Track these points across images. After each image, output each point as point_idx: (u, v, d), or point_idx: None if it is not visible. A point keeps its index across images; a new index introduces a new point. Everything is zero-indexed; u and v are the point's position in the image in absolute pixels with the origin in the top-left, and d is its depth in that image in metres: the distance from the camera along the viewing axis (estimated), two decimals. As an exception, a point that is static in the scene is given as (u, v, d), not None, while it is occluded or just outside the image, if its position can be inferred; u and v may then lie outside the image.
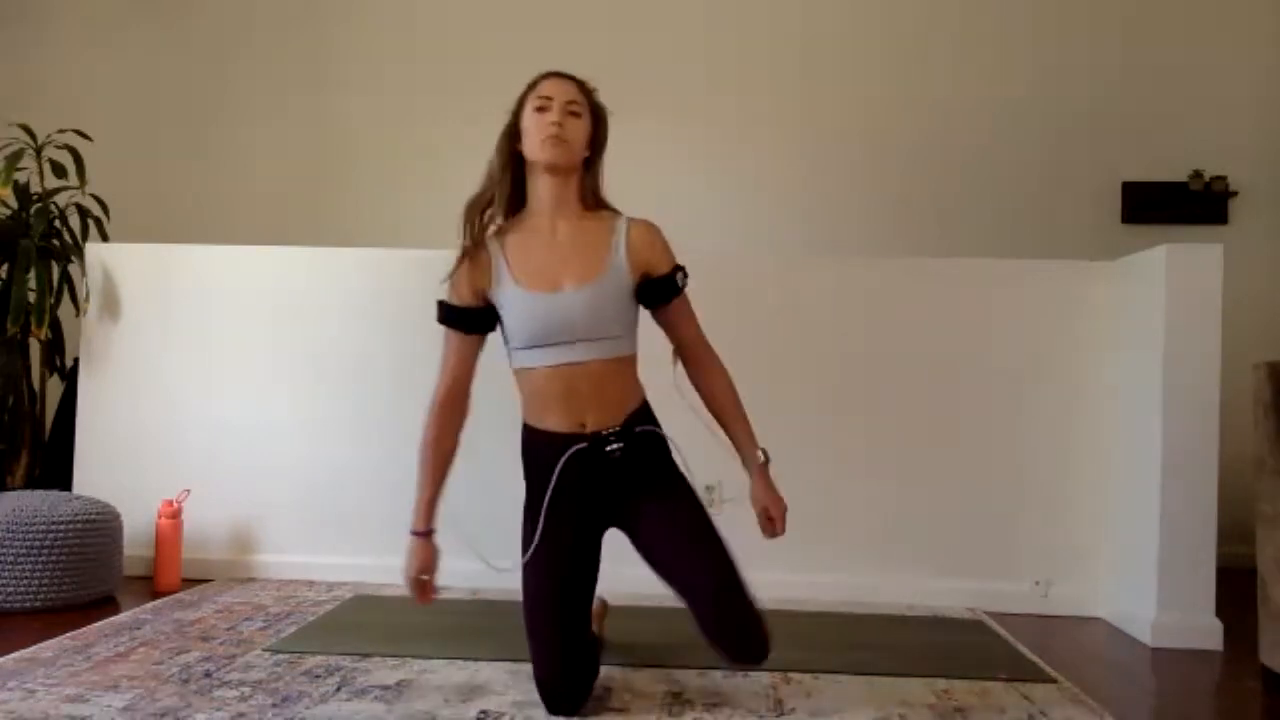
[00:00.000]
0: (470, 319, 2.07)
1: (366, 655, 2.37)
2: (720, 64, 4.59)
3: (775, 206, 4.54)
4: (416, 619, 2.75)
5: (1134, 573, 2.92)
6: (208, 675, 2.18)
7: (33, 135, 3.67)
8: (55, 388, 3.71)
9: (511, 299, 2.03)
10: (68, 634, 2.50)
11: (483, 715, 1.98)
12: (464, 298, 2.06)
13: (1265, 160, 4.37)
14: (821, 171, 4.52)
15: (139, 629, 2.57)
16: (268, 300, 3.37)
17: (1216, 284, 2.81)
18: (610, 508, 2.07)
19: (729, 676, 2.26)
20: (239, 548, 3.32)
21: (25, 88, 4.67)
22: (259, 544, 3.32)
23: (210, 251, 3.44)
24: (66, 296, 3.60)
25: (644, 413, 2.12)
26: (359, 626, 2.66)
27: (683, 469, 2.12)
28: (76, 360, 3.48)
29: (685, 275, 2.13)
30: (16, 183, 3.53)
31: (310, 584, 3.20)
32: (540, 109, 2.04)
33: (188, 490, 3.21)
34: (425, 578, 2.05)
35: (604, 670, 2.21)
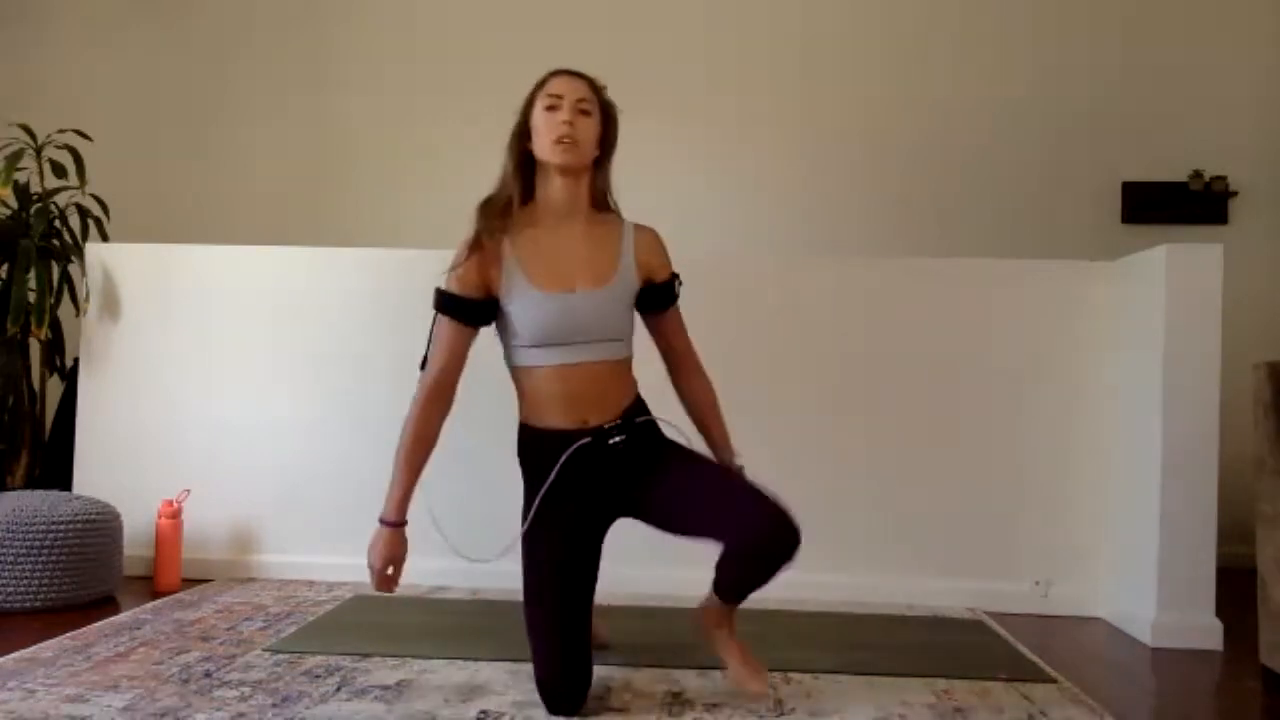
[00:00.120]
0: (470, 310, 2.06)
1: (366, 655, 2.37)
2: (720, 64, 4.59)
3: (775, 206, 4.54)
4: (416, 619, 2.75)
5: (1134, 573, 2.92)
6: (208, 675, 2.18)
7: (33, 135, 3.67)
8: (55, 388, 3.71)
9: (524, 297, 2.02)
10: (68, 634, 2.50)
11: (483, 715, 1.98)
12: (469, 289, 2.04)
13: (1265, 160, 4.37)
14: (821, 171, 4.52)
15: (139, 629, 2.57)
16: (268, 300, 3.37)
17: (1216, 284, 2.81)
18: (615, 498, 2.08)
19: (730, 676, 2.26)
20: (239, 548, 3.32)
21: (25, 88, 4.67)
22: (259, 544, 3.32)
23: (210, 251, 3.44)
24: (66, 296, 3.60)
25: (640, 406, 2.14)
26: (359, 626, 2.66)
27: (686, 445, 2.15)
28: (76, 360, 3.48)
29: (681, 283, 2.18)
30: (16, 183, 3.53)
31: (310, 584, 3.20)
32: (550, 107, 2.04)
33: (188, 490, 3.21)
34: (391, 571, 2.01)
35: (604, 670, 2.22)
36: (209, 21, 4.76)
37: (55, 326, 3.54)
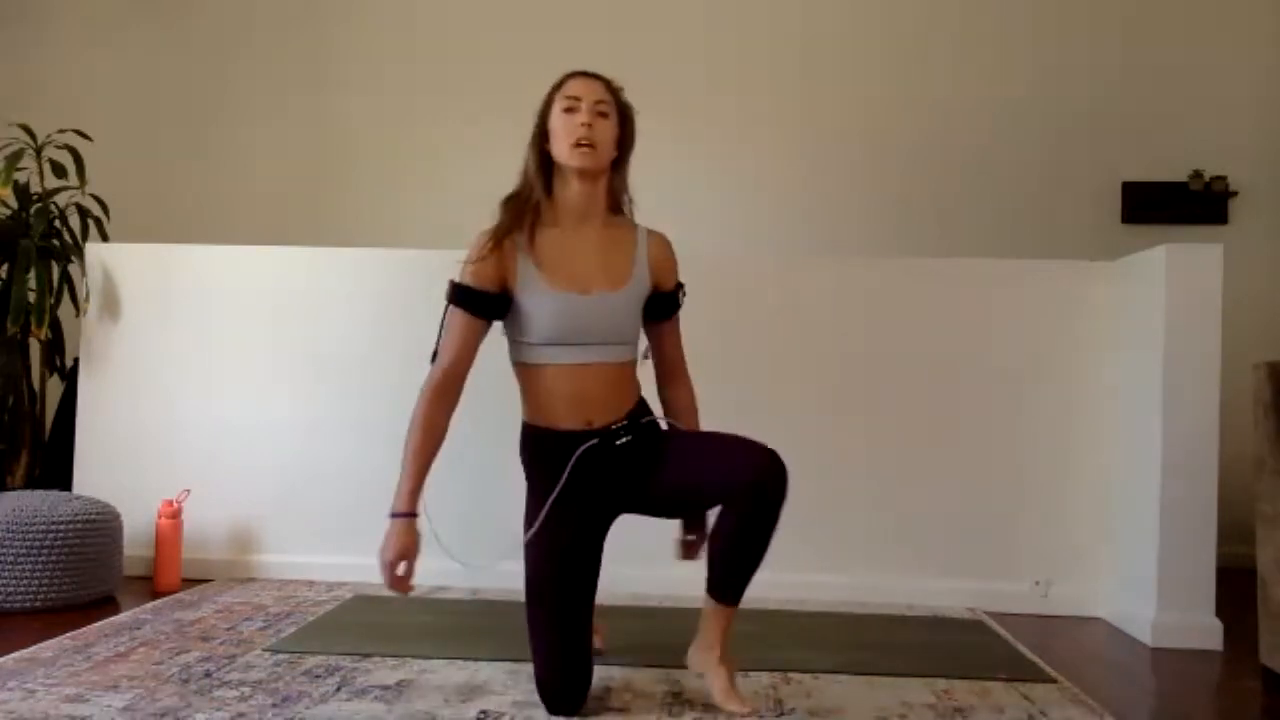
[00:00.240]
0: (484, 303, 2.04)
1: (366, 655, 2.37)
2: (720, 64, 4.59)
3: (775, 206, 4.54)
4: (416, 619, 2.75)
5: (1134, 573, 2.92)
6: (208, 675, 2.18)
7: (33, 135, 3.67)
8: (55, 388, 3.71)
9: (539, 295, 2.02)
10: (68, 634, 2.50)
11: (483, 715, 1.98)
12: (484, 282, 2.03)
13: (1265, 160, 4.37)
14: (821, 171, 4.52)
15: (139, 629, 2.57)
16: (268, 300, 3.37)
17: (1216, 284, 2.81)
18: (618, 496, 2.09)
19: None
20: (239, 548, 3.32)
21: (25, 88, 4.67)
22: (259, 544, 3.32)
23: (210, 251, 3.44)
24: (66, 296, 3.60)
25: (644, 407, 2.15)
26: (359, 626, 2.66)
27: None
28: (76, 360, 3.48)
29: (685, 293, 2.21)
30: (16, 183, 3.53)
31: (310, 584, 3.20)
32: (569, 109, 2.04)
33: (188, 490, 3.21)
34: (404, 565, 1.96)
35: (604, 670, 2.22)
36: (209, 21, 4.76)
37: (55, 326, 3.54)
